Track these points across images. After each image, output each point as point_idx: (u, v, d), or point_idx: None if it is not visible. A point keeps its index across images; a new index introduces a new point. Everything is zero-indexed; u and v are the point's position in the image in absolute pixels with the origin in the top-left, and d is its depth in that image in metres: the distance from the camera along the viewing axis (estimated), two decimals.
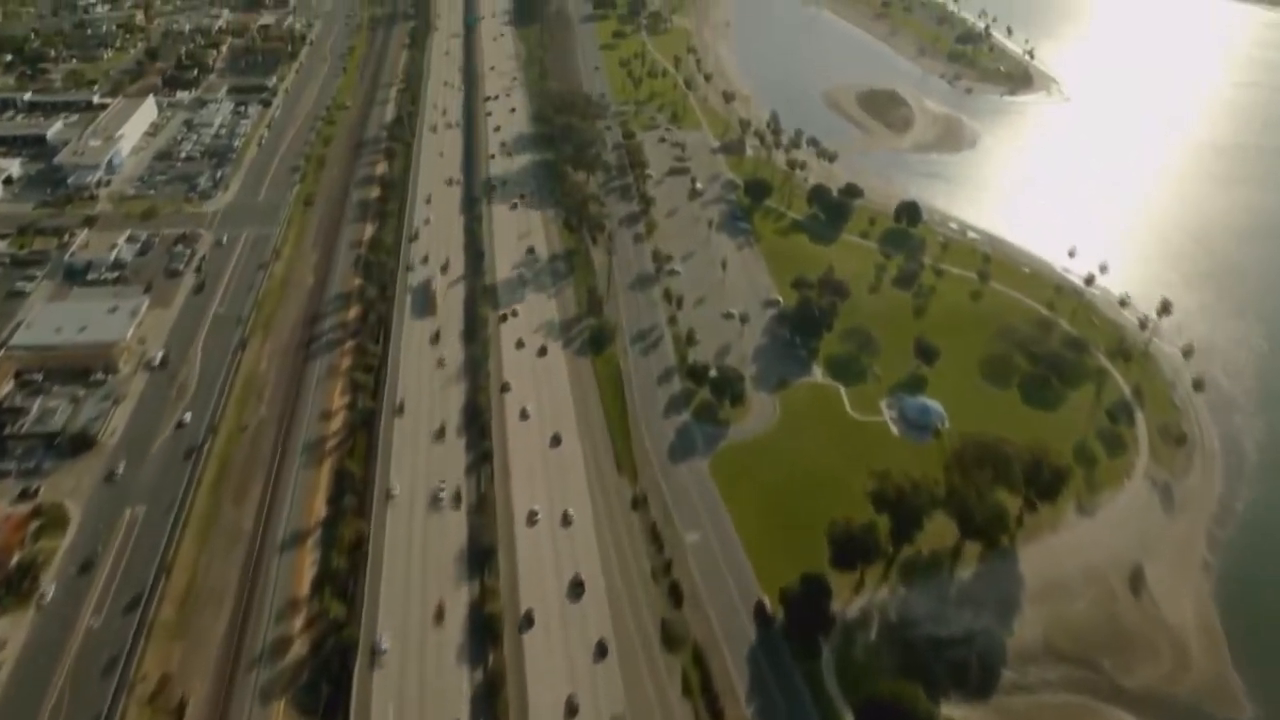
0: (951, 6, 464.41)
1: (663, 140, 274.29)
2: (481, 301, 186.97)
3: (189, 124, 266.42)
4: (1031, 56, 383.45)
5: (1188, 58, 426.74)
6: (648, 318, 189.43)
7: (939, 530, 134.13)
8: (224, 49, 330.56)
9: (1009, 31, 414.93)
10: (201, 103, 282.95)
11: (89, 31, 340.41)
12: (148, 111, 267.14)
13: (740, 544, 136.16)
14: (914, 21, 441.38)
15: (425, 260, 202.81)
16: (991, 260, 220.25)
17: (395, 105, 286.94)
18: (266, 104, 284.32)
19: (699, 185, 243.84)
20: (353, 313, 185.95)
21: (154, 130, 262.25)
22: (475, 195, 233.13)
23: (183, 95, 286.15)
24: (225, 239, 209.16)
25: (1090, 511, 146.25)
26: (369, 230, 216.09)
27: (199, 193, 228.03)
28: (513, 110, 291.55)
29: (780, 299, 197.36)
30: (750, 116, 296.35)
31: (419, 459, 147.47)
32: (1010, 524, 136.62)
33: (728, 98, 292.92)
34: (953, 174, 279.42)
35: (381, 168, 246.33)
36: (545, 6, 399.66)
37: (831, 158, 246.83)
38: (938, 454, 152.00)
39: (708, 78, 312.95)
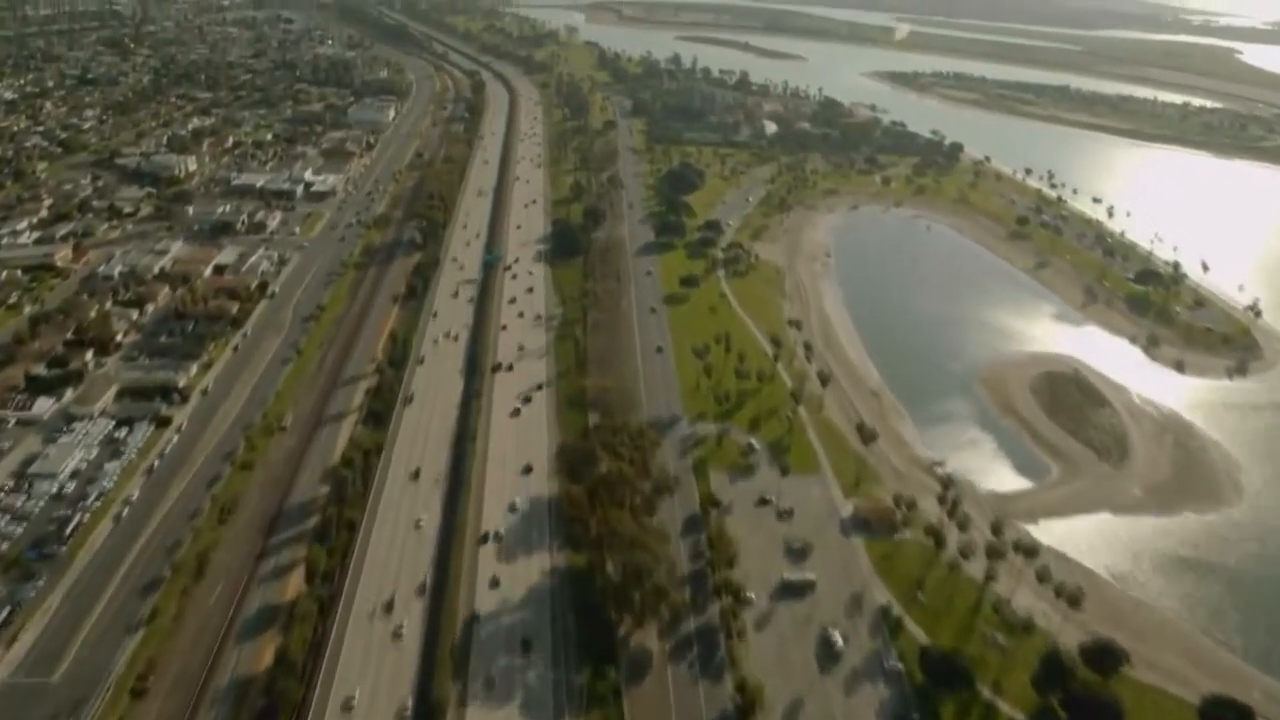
0: (1108, 222, 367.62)
1: (764, 503, 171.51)
2: None
3: (22, 471, 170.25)
4: (1257, 314, 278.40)
5: None
6: None
7: None
8: (149, 309, 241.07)
9: (1204, 268, 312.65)
10: (67, 420, 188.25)
11: None
12: None
13: None
14: (1065, 246, 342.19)
15: None
16: None
17: (354, 428, 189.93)
18: (164, 422, 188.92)
19: (837, 639, 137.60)
20: None
21: None
22: (435, 682, 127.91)
23: (46, 404, 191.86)
24: None
25: None
26: None
27: None
28: (533, 459, 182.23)
29: None
30: (891, 440, 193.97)
31: None
32: None
33: (866, 437, 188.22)
34: (1229, 566, 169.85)
35: (294, 584, 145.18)
36: (591, 232, 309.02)
37: (1075, 599, 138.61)
38: None
39: (824, 380, 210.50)
